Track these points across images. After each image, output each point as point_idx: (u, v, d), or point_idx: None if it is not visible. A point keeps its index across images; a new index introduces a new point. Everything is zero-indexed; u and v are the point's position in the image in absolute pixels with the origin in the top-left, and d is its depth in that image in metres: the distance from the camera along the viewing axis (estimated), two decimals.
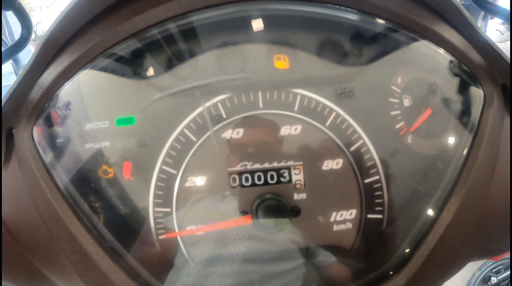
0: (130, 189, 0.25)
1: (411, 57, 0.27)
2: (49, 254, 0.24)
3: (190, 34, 0.25)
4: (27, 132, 0.26)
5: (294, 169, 0.25)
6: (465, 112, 0.27)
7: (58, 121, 0.27)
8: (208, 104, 0.25)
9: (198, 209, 0.25)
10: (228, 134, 0.25)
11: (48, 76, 0.26)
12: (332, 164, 0.25)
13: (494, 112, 0.27)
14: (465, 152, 0.26)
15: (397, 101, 0.26)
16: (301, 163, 0.24)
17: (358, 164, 0.25)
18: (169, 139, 0.25)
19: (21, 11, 0.32)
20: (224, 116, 0.25)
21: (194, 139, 0.25)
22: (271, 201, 0.23)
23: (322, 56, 0.26)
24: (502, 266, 1.08)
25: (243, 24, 0.25)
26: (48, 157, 0.26)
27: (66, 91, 0.26)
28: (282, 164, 0.24)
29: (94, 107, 0.26)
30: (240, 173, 0.24)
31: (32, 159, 0.26)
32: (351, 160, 0.25)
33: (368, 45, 0.26)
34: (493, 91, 0.28)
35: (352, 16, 0.26)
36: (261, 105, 0.25)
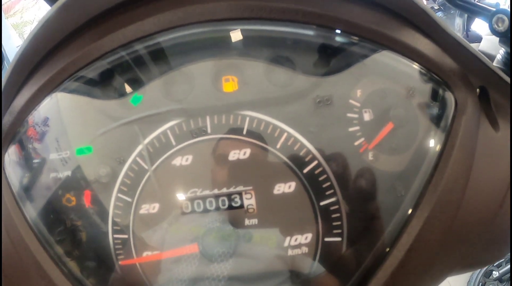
0: (91, 216, 0.25)
1: (373, 69, 0.25)
2: (21, 280, 0.25)
3: (137, 60, 0.24)
4: None
5: (246, 194, 0.23)
6: (434, 122, 0.24)
7: (26, 149, 0.27)
8: (158, 131, 0.24)
9: (153, 236, 0.24)
10: (177, 161, 0.24)
11: (19, 101, 0.27)
12: (284, 188, 0.23)
13: (467, 119, 0.24)
14: (432, 164, 0.23)
15: (356, 116, 0.24)
16: (251, 188, 0.23)
17: (313, 186, 0.23)
18: (123, 167, 0.24)
19: None
20: (173, 143, 0.24)
21: (146, 167, 0.24)
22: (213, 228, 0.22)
23: (273, 74, 0.24)
24: (503, 260, 1.00)
25: (191, 47, 0.24)
26: (16, 185, 0.26)
27: (34, 118, 0.26)
28: (232, 189, 0.23)
29: (57, 135, 0.26)
30: (192, 200, 0.23)
31: (3, 189, 0.26)
32: (305, 182, 0.23)
33: (323, 59, 0.24)
34: (466, 97, 0.24)
35: (309, 31, 0.24)
36: (209, 130, 0.23)
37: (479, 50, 0.33)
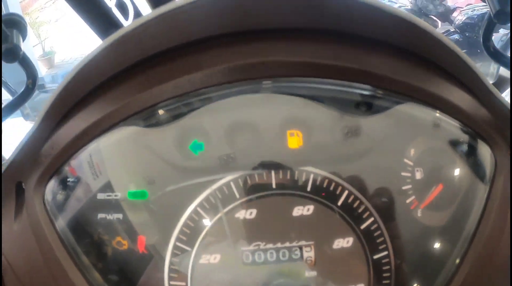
0: (145, 262, 0.24)
1: (422, 127, 0.26)
2: None
3: (199, 109, 0.23)
4: (38, 194, 0.25)
5: (306, 246, 0.24)
6: (476, 178, 0.26)
7: (72, 186, 0.26)
8: (220, 183, 0.24)
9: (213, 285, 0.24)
10: (241, 214, 0.24)
11: (65, 133, 0.25)
12: (343, 243, 0.24)
13: (506, 175, 0.25)
14: (476, 218, 0.25)
15: (409, 174, 0.25)
16: (312, 242, 0.24)
17: (368, 241, 0.24)
18: (183, 216, 0.24)
19: (26, 61, 0.30)
20: (237, 196, 0.23)
21: (208, 217, 0.24)
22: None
23: (337, 132, 0.24)
24: None
25: (255, 99, 0.24)
26: (60, 222, 0.25)
27: (85, 154, 0.25)
28: (294, 244, 0.24)
29: (109, 175, 0.25)
30: (253, 251, 0.24)
31: (44, 225, 0.25)
32: (361, 237, 0.24)
33: (376, 118, 0.25)
34: (506, 154, 0.26)
35: (365, 91, 0.24)
36: (274, 186, 0.24)
37: None
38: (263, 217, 0.24)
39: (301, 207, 0.24)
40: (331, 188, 0.24)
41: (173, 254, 0.24)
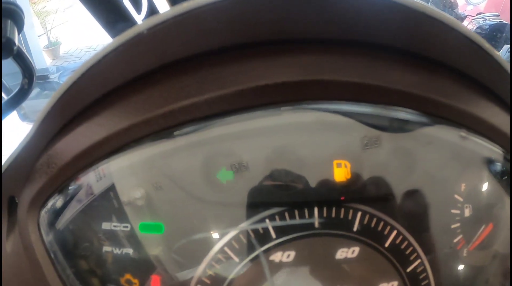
0: None
1: (471, 159, 0.23)
2: None
3: (236, 134, 0.20)
4: (32, 217, 0.21)
5: None
6: None
7: (73, 211, 0.22)
8: (253, 219, 0.20)
9: None
10: (277, 256, 0.20)
11: (65, 148, 0.20)
12: None
13: None
14: None
15: (458, 212, 0.23)
16: None
17: (413, 283, 0.22)
18: (207, 256, 0.20)
19: (21, 56, 0.25)
20: (273, 235, 0.20)
21: (237, 259, 0.20)
22: None
23: (388, 166, 0.21)
24: None
25: (300, 126, 0.20)
26: (57, 254, 0.21)
27: (90, 177, 0.21)
28: None
29: (116, 203, 0.21)
30: None
31: (39, 256, 0.21)
32: (406, 281, 0.22)
33: (427, 150, 0.22)
34: None
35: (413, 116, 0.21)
36: (316, 224, 0.20)
37: None
38: (303, 260, 0.20)
39: (345, 249, 0.21)
40: (379, 228, 0.21)
41: None
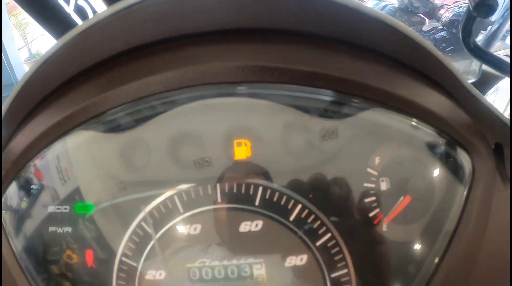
0: (93, 277, 0.23)
1: (388, 133, 0.22)
2: None
3: (142, 118, 0.21)
4: None
5: (256, 264, 0.21)
6: (451, 188, 0.22)
7: (24, 198, 0.24)
8: (164, 197, 0.21)
9: None
10: (185, 229, 0.21)
11: (19, 142, 0.23)
12: (296, 260, 0.21)
13: (485, 185, 0.22)
14: (449, 230, 0.22)
15: (372, 186, 0.22)
16: (261, 260, 0.21)
17: (325, 258, 0.21)
18: (128, 231, 0.22)
19: None
20: (181, 210, 0.21)
21: (152, 233, 0.22)
22: None
23: (289, 141, 0.21)
24: None
25: (201, 107, 0.21)
26: (13, 235, 0.24)
27: (38, 164, 0.23)
28: (242, 261, 0.21)
29: (56, 188, 0.24)
30: (200, 267, 0.22)
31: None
32: (317, 255, 0.21)
33: (339, 125, 0.21)
34: (484, 162, 0.23)
35: (325, 96, 0.21)
36: (219, 199, 0.21)
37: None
38: (208, 233, 0.21)
39: (248, 223, 0.21)
40: (282, 202, 0.21)
41: (120, 270, 0.22)
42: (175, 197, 0.21)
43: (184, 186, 0.21)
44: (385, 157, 0.22)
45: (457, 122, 0.22)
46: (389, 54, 0.22)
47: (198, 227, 0.21)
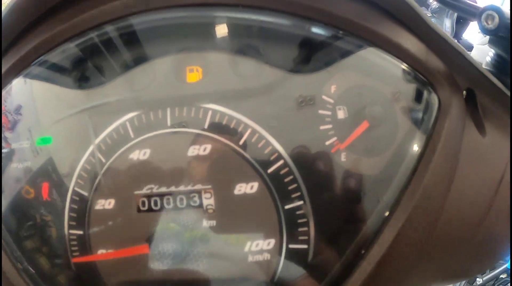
0: (48, 210, 0.22)
1: (349, 63, 0.22)
2: None
3: (97, 48, 0.22)
4: None
5: (205, 193, 0.20)
6: (415, 124, 0.21)
7: None
8: (116, 123, 0.21)
9: (108, 234, 0.21)
10: (135, 155, 0.21)
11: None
12: (246, 188, 0.20)
13: (451, 121, 0.21)
14: (411, 168, 0.20)
15: (328, 113, 0.21)
16: (210, 186, 0.20)
17: (277, 188, 0.20)
18: (81, 160, 0.22)
19: None
20: (132, 135, 0.21)
21: (103, 160, 0.21)
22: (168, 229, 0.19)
23: (241, 65, 0.21)
24: None
25: (155, 34, 0.22)
26: None
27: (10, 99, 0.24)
28: (190, 187, 0.20)
29: (18, 124, 0.24)
30: (148, 197, 0.21)
31: None
32: (269, 183, 0.20)
33: (295, 51, 0.21)
34: (451, 97, 0.21)
35: (284, 21, 0.21)
36: (168, 123, 0.21)
37: None
38: (157, 157, 0.21)
39: (197, 146, 0.20)
40: (232, 125, 0.20)
41: (72, 201, 0.22)
42: (127, 123, 0.21)
43: (135, 112, 0.21)
44: (342, 85, 0.21)
45: (426, 61, 0.22)
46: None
47: (148, 152, 0.21)
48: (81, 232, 0.22)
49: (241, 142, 0.20)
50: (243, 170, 0.20)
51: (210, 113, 0.20)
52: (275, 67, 0.21)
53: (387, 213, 0.20)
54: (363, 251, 0.19)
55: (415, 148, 0.21)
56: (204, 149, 0.20)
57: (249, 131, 0.20)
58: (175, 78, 0.21)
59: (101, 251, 0.21)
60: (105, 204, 0.21)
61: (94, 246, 0.21)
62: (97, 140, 0.21)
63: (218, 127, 0.20)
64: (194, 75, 0.21)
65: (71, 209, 0.22)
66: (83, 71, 0.22)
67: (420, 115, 0.22)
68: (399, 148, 0.21)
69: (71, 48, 0.22)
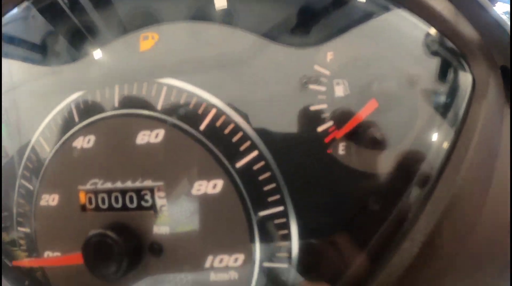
0: (2, 203, 0.20)
1: (352, 22, 0.15)
2: None
3: (43, 11, 0.18)
4: None
5: (159, 191, 0.16)
6: (441, 108, 0.15)
7: None
8: (61, 105, 0.17)
9: (54, 234, 0.18)
10: (78, 142, 0.17)
11: None
12: (207, 187, 0.15)
13: (489, 105, 0.15)
14: (436, 168, 0.14)
15: (322, 88, 0.15)
16: (161, 183, 0.16)
17: (249, 188, 0.15)
18: (27, 148, 0.18)
19: None
20: (76, 119, 0.17)
21: (47, 148, 0.18)
22: (103, 238, 0.15)
23: (204, 30, 0.16)
24: None
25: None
26: None
27: None
28: (138, 183, 0.16)
29: None
30: (95, 193, 0.17)
31: None
32: (237, 181, 0.15)
33: (268, 8, 0.16)
34: (488, 75, 0.15)
35: None
36: (116, 104, 0.16)
37: None
38: (101, 145, 0.16)
39: (147, 132, 0.16)
40: (191, 105, 0.15)
41: (19, 194, 0.19)
42: (72, 105, 0.17)
43: (80, 91, 0.17)
44: (342, 53, 0.15)
45: (459, 28, 0.15)
46: None
47: (92, 139, 0.17)
48: (28, 231, 0.19)
49: (202, 127, 0.15)
50: (204, 163, 0.15)
51: (165, 89, 0.16)
52: (246, 31, 0.15)
53: (399, 231, 0.14)
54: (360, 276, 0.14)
55: (441, 141, 0.15)
56: (155, 136, 0.16)
57: (213, 112, 0.15)
58: (126, 48, 0.17)
59: (47, 254, 0.18)
60: (49, 199, 0.18)
61: (40, 247, 0.18)
62: (41, 126, 0.18)
63: (174, 107, 0.15)
64: (148, 43, 0.17)
65: (18, 204, 0.19)
66: (27, 40, 0.19)
67: (447, 98, 0.15)
68: (418, 140, 0.15)
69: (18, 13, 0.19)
